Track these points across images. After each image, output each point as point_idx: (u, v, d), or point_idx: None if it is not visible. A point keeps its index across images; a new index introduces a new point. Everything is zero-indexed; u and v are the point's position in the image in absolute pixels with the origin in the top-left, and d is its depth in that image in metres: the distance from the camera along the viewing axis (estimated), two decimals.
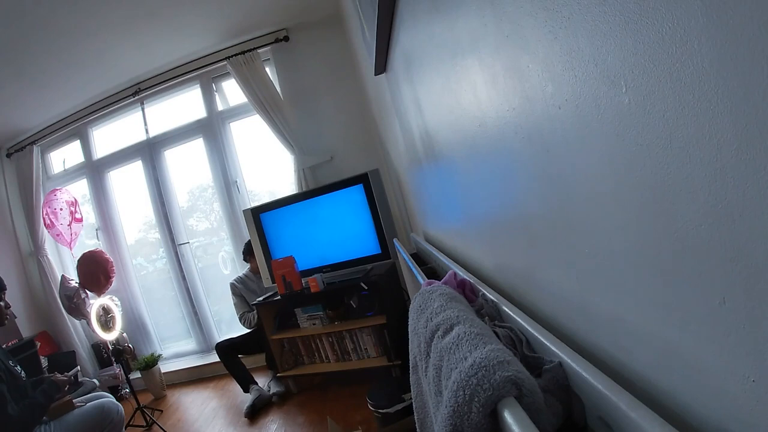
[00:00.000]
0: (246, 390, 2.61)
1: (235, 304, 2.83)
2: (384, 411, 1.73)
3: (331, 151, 3.06)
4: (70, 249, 3.39)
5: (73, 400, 1.86)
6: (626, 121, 0.30)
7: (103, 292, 3.11)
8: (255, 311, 2.65)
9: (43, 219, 3.28)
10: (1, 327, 1.83)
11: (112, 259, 3.21)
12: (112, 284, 3.21)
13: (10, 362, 1.72)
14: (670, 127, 0.26)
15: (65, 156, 3.65)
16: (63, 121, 3.39)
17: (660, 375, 0.35)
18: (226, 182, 3.27)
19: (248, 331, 2.80)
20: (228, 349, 2.68)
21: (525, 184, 0.53)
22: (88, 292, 3.09)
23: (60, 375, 1.83)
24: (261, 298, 2.64)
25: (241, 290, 2.81)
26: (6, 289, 1.85)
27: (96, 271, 3.05)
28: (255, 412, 2.45)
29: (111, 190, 3.57)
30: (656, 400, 0.36)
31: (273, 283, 2.59)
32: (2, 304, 1.81)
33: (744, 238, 0.23)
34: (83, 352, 3.42)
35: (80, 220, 3.40)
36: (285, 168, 3.16)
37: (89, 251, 3.13)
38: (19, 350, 2.62)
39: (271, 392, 2.59)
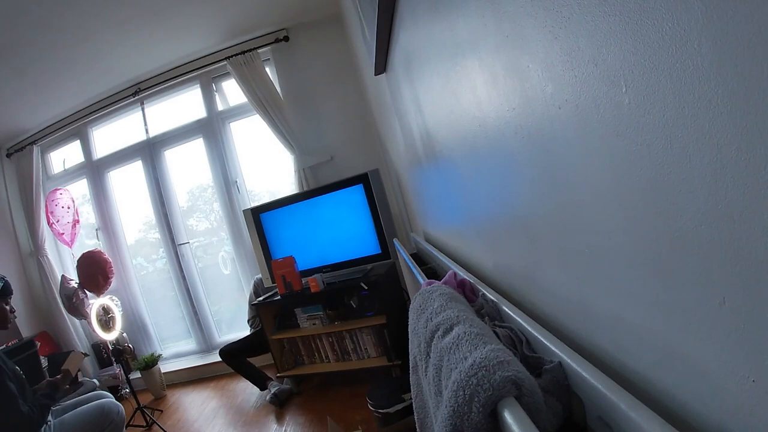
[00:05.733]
0: (264, 388, 2.60)
1: (250, 303, 2.82)
2: (384, 411, 1.73)
3: (331, 151, 3.06)
4: (71, 248, 3.40)
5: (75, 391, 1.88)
6: (626, 121, 0.30)
7: (103, 293, 3.11)
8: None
9: (47, 217, 3.29)
10: (3, 330, 1.83)
11: (111, 260, 3.21)
12: (113, 284, 3.21)
13: (16, 367, 1.73)
14: (670, 127, 0.26)
15: (65, 156, 3.65)
16: (63, 121, 3.39)
17: (660, 375, 0.35)
18: (226, 182, 3.27)
19: (248, 333, 2.80)
20: (234, 352, 2.67)
21: (525, 183, 0.53)
22: (87, 292, 3.09)
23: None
24: (261, 298, 2.64)
25: (263, 291, 2.80)
26: (12, 294, 1.85)
27: (95, 272, 3.05)
28: (281, 403, 2.45)
29: (111, 190, 3.57)
30: (656, 400, 0.36)
31: (273, 283, 2.59)
32: (8, 308, 1.81)
33: (744, 238, 0.23)
34: (82, 350, 3.41)
35: (78, 222, 3.42)
36: (285, 168, 3.16)
37: (88, 251, 3.14)
38: (19, 350, 2.62)
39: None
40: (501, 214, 0.66)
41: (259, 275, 2.91)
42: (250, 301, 2.84)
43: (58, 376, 1.83)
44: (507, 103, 0.50)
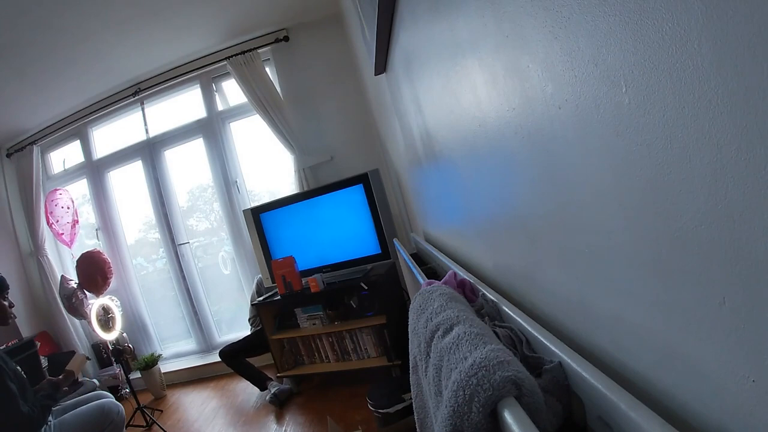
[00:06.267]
0: (264, 388, 2.60)
1: (252, 301, 2.82)
2: (384, 411, 1.73)
3: (331, 151, 3.06)
4: (70, 248, 3.40)
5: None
6: (626, 121, 0.30)
7: (102, 293, 3.11)
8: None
9: (46, 217, 3.29)
10: (4, 327, 1.83)
11: (109, 260, 3.21)
12: (113, 284, 3.21)
13: (18, 368, 1.72)
14: (670, 127, 0.26)
15: (65, 156, 3.66)
16: (63, 121, 3.39)
17: (660, 375, 0.35)
18: (226, 182, 3.27)
19: (249, 333, 2.80)
20: (233, 353, 2.67)
21: (525, 183, 0.53)
22: (86, 292, 3.09)
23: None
24: (261, 298, 2.64)
25: (265, 291, 2.80)
26: (8, 289, 1.85)
27: (93, 272, 3.05)
28: (281, 403, 2.45)
29: (111, 190, 3.57)
30: (656, 400, 0.36)
31: (273, 283, 2.59)
32: (6, 303, 1.80)
33: (744, 238, 0.23)
34: (83, 352, 3.42)
35: (77, 222, 3.42)
36: (285, 168, 3.16)
37: (87, 252, 3.13)
38: (19, 350, 2.62)
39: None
40: (501, 214, 0.66)
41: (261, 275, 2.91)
42: (252, 301, 2.84)
43: (60, 376, 1.83)
44: (507, 103, 0.50)
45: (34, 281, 3.52)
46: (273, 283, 2.59)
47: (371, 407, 1.79)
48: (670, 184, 0.28)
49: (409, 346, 0.70)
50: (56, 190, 3.38)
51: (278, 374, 2.57)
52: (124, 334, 3.28)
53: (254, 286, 2.89)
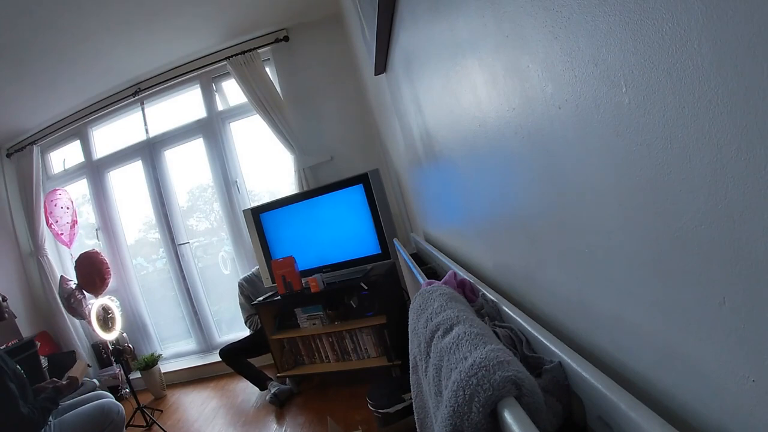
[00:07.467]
0: (264, 388, 2.60)
1: (241, 305, 2.82)
2: (384, 411, 1.73)
3: (331, 151, 3.06)
4: (69, 248, 3.40)
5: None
6: (626, 121, 0.30)
7: (101, 293, 3.11)
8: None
9: (46, 218, 3.29)
10: (2, 322, 1.82)
11: (108, 260, 3.21)
12: (113, 284, 3.21)
13: (18, 367, 1.72)
14: (670, 127, 0.26)
15: (65, 156, 3.66)
16: (63, 121, 3.39)
17: (660, 375, 0.35)
18: (226, 182, 3.27)
19: (249, 333, 2.80)
20: (233, 352, 2.67)
21: (525, 183, 0.53)
22: (85, 292, 3.09)
23: (58, 381, 1.85)
24: (261, 298, 2.64)
25: (249, 291, 2.79)
26: None
27: (91, 272, 3.05)
28: (281, 403, 2.46)
29: (111, 190, 3.57)
30: (656, 400, 0.36)
31: (273, 283, 2.59)
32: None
33: (744, 238, 0.23)
34: (83, 352, 3.42)
35: (76, 222, 3.42)
36: (285, 168, 3.16)
37: (85, 252, 3.13)
38: (19, 350, 2.62)
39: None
40: (501, 214, 0.66)
41: (243, 275, 2.90)
42: (240, 304, 2.83)
43: (65, 382, 1.83)
44: (507, 103, 0.50)
45: (34, 281, 3.52)
46: (273, 283, 2.59)
47: (371, 407, 1.79)
48: (670, 184, 0.28)
49: (409, 346, 0.70)
50: (55, 190, 3.38)
51: (278, 374, 2.57)
52: (124, 334, 3.28)
53: (238, 290, 2.85)
